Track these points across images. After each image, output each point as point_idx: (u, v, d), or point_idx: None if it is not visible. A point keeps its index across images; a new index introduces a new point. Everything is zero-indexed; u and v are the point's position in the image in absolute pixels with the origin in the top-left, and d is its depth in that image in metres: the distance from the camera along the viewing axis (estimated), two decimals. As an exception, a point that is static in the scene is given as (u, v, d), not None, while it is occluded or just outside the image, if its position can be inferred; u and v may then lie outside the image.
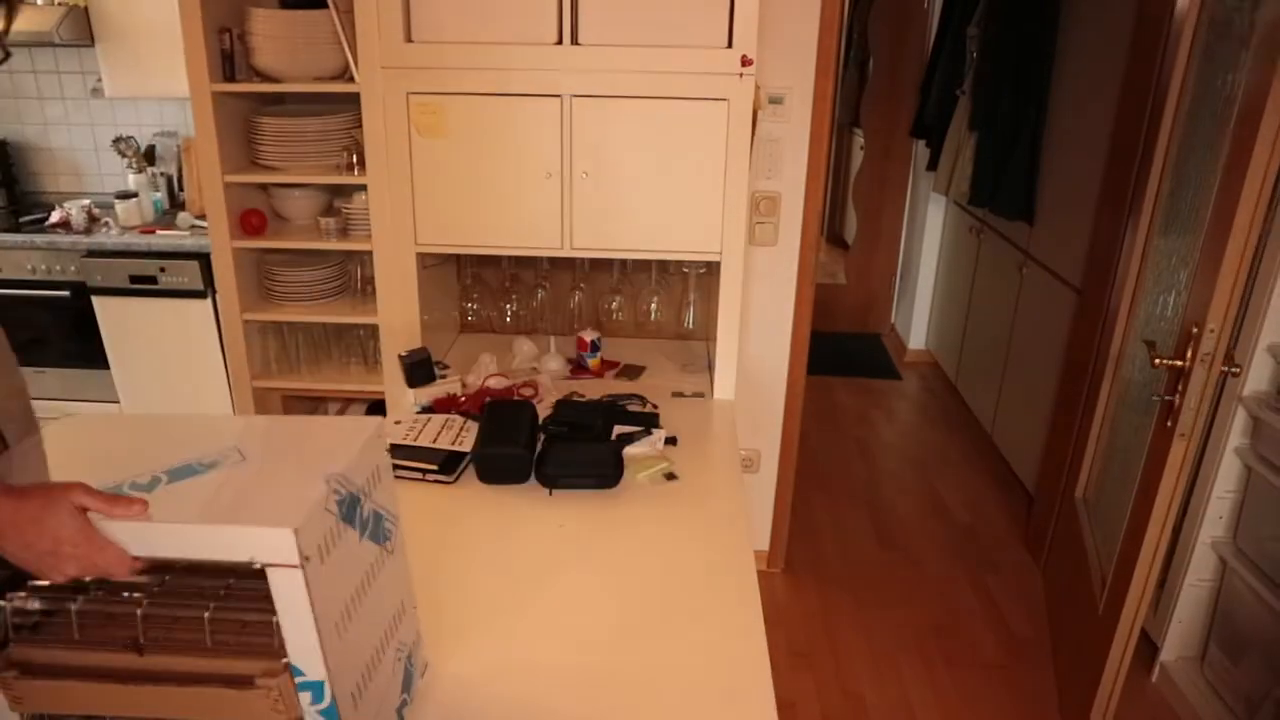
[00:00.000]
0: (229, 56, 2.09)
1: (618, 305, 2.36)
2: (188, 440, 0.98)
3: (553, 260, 2.35)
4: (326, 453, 0.95)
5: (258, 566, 0.83)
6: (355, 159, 2.16)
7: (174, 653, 0.91)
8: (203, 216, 3.07)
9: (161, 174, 3.41)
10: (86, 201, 3.26)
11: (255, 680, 0.88)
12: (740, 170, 1.89)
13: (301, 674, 0.88)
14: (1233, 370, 1.89)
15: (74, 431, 1.03)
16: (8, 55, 0.67)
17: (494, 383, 1.97)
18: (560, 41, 1.84)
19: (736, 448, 1.81)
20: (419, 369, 1.92)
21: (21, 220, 3.26)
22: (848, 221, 5.31)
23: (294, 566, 0.83)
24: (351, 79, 2.02)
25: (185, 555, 0.86)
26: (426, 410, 1.89)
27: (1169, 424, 1.77)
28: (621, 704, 1.11)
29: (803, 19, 2.27)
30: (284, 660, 0.88)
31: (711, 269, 2.11)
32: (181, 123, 3.48)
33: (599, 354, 2.16)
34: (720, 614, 1.30)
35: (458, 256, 2.37)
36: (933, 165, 4.13)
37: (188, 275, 3.09)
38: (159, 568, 0.91)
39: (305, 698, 0.89)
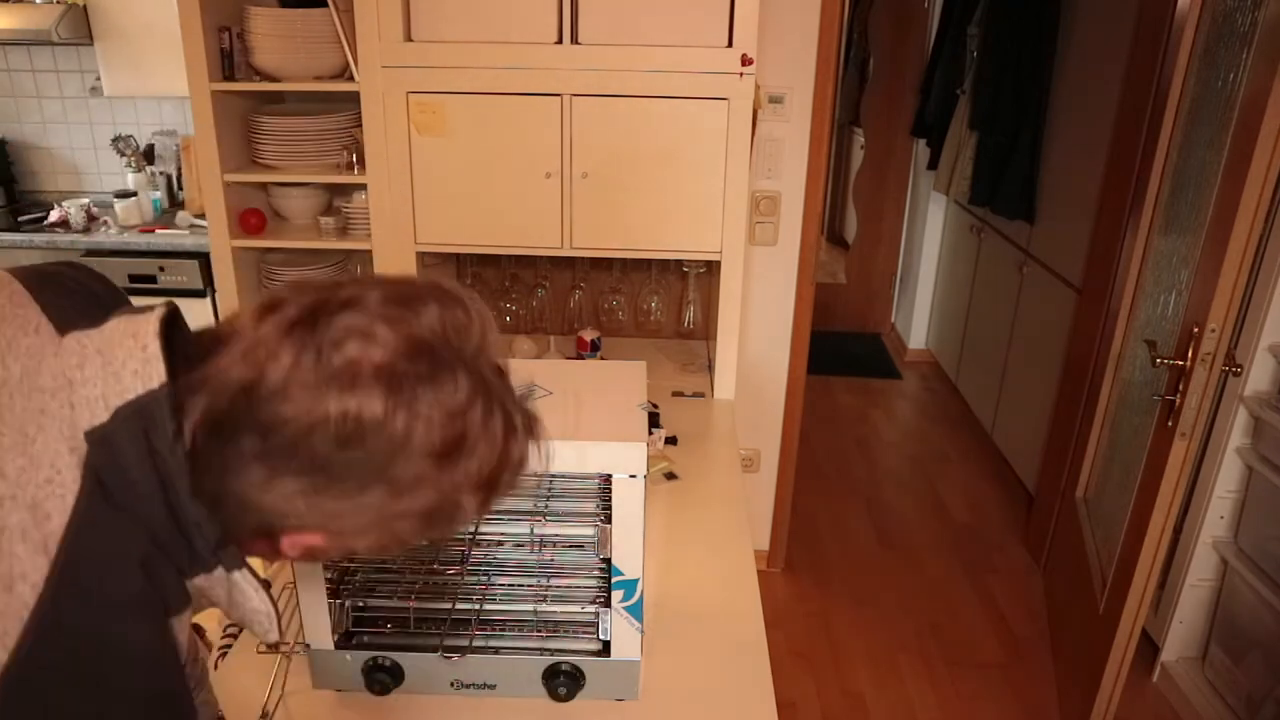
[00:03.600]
0: (228, 55, 2.09)
1: (618, 305, 2.36)
2: None
3: (553, 260, 2.35)
4: (617, 386, 1.10)
5: (604, 476, 1.00)
6: (355, 158, 2.15)
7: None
8: (202, 215, 3.07)
9: (160, 173, 3.40)
10: (85, 201, 3.25)
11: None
12: (740, 170, 1.89)
13: (620, 574, 1.02)
14: (1234, 370, 1.89)
15: None
16: None
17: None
18: (560, 41, 1.84)
19: (736, 448, 1.80)
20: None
21: (20, 219, 3.26)
22: (848, 221, 5.31)
23: (637, 477, 0.97)
24: (351, 78, 2.02)
25: (540, 469, 0.96)
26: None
27: (1170, 424, 1.77)
28: (622, 705, 1.11)
29: (803, 18, 2.27)
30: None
31: (711, 268, 2.11)
32: (180, 122, 3.48)
33: (599, 353, 2.15)
34: (720, 614, 1.29)
35: (458, 256, 2.37)
36: (933, 164, 4.13)
37: (187, 274, 3.08)
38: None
39: (617, 595, 1.03)
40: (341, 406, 0.60)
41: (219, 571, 0.66)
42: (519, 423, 0.71)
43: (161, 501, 0.62)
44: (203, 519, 0.63)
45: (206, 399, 0.62)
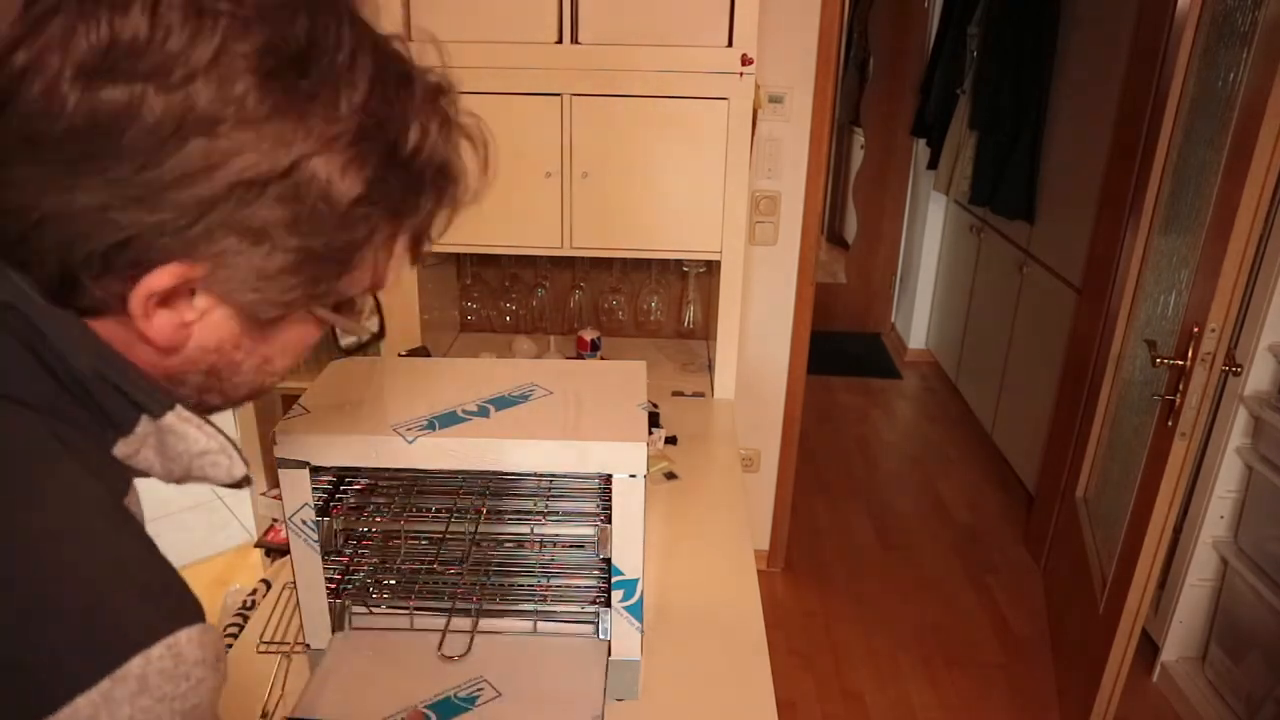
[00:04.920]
0: (228, 55, 2.08)
1: (618, 305, 2.36)
2: (478, 379, 1.10)
3: (553, 260, 2.35)
4: (617, 386, 1.08)
5: (604, 476, 1.00)
6: (355, 158, 2.15)
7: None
8: (202, 216, 3.06)
9: (161, 173, 3.40)
10: (85, 200, 3.25)
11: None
12: (740, 169, 1.89)
13: (620, 574, 1.01)
14: (1234, 370, 1.89)
15: (350, 371, 1.14)
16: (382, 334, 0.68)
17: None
18: (560, 40, 1.84)
19: (736, 447, 1.80)
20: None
21: (20, 219, 3.25)
22: (848, 221, 5.31)
23: (638, 477, 0.96)
24: None
25: (542, 469, 1.00)
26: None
27: (1170, 424, 1.77)
28: (622, 705, 1.11)
29: (803, 18, 2.27)
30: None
31: (711, 268, 2.11)
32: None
33: (599, 353, 2.15)
34: (720, 614, 1.29)
35: (457, 256, 2.36)
36: (933, 164, 4.13)
37: (187, 274, 3.08)
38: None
39: (617, 595, 1.03)
40: (89, 32, 0.44)
41: (141, 427, 0.52)
42: (419, 82, 0.54)
43: (34, 362, 0.48)
44: (95, 357, 0.49)
45: None
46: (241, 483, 0.59)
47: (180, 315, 0.51)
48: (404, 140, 0.52)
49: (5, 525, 0.43)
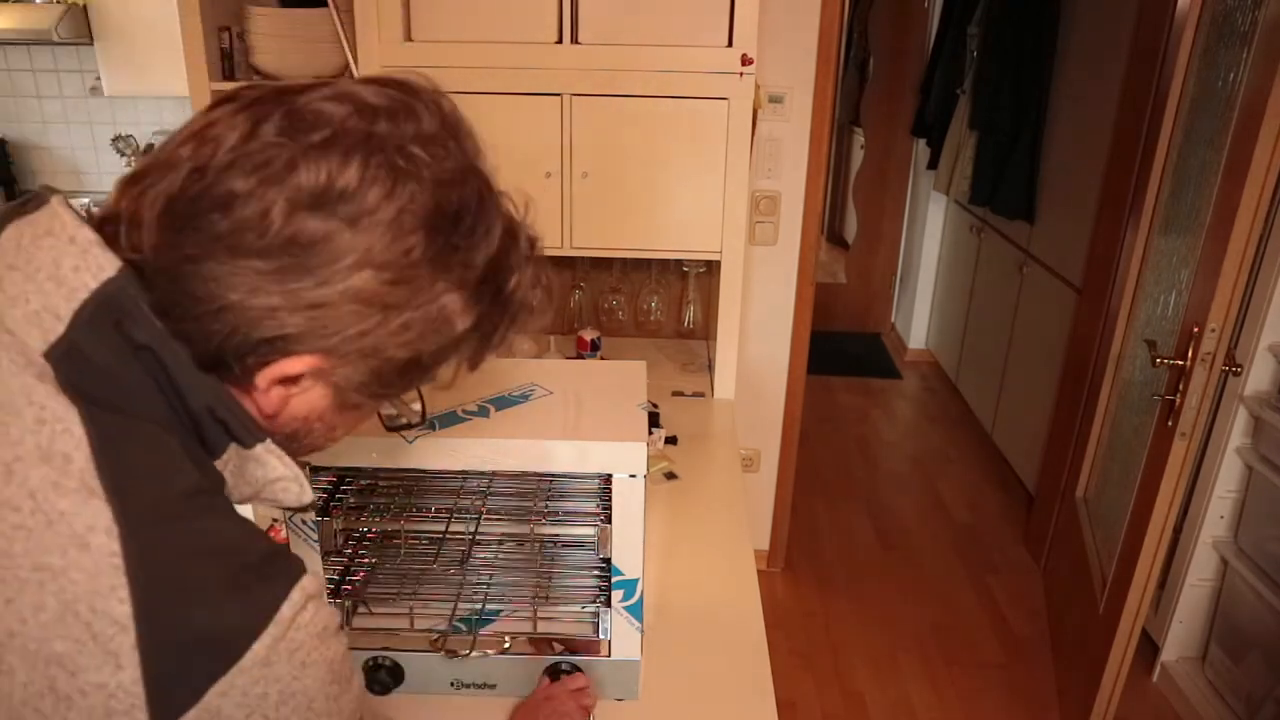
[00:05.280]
0: (228, 55, 2.08)
1: (618, 305, 2.36)
2: (478, 379, 1.08)
3: (553, 260, 2.34)
4: (617, 386, 1.09)
5: (604, 476, 1.01)
6: (355, 158, 2.15)
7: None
8: (202, 215, 3.06)
9: (161, 173, 3.40)
10: (86, 200, 3.25)
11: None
12: (740, 169, 1.89)
13: (620, 573, 1.02)
14: (1234, 370, 1.89)
15: None
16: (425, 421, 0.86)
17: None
18: (560, 40, 1.84)
19: (736, 447, 1.80)
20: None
21: (20, 219, 3.25)
22: (848, 221, 5.31)
23: (638, 477, 0.97)
24: (351, 78, 2.01)
25: (542, 469, 1.00)
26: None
27: (1170, 424, 1.77)
28: (622, 705, 1.11)
29: (803, 18, 2.27)
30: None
31: (711, 268, 2.11)
32: (181, 121, 3.47)
33: (599, 353, 2.15)
34: (720, 614, 1.29)
35: (457, 256, 2.36)
36: (933, 164, 4.12)
37: (187, 274, 3.08)
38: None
39: (617, 595, 1.03)
40: (309, 173, 0.55)
41: (228, 453, 0.61)
42: (523, 237, 0.68)
43: (157, 392, 0.56)
44: (212, 397, 0.58)
45: (164, 186, 0.55)
46: (308, 507, 0.70)
47: (289, 390, 0.61)
48: (508, 284, 0.65)
49: (177, 534, 0.53)
